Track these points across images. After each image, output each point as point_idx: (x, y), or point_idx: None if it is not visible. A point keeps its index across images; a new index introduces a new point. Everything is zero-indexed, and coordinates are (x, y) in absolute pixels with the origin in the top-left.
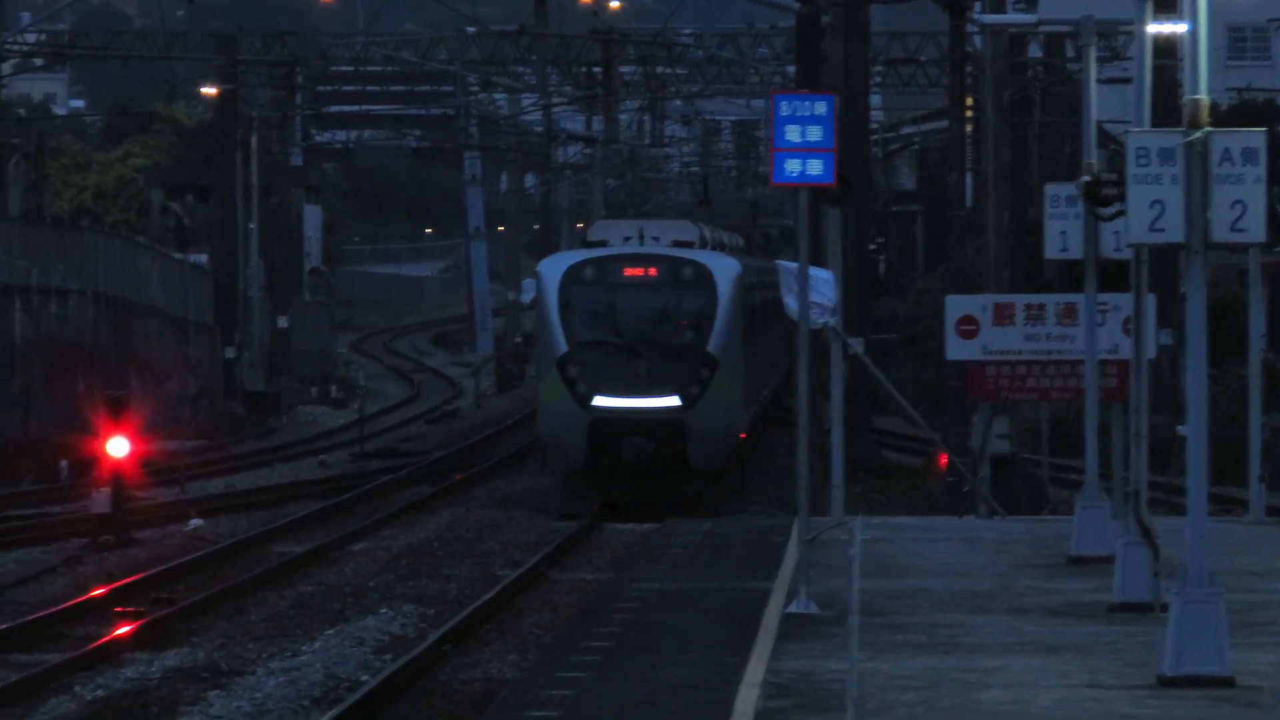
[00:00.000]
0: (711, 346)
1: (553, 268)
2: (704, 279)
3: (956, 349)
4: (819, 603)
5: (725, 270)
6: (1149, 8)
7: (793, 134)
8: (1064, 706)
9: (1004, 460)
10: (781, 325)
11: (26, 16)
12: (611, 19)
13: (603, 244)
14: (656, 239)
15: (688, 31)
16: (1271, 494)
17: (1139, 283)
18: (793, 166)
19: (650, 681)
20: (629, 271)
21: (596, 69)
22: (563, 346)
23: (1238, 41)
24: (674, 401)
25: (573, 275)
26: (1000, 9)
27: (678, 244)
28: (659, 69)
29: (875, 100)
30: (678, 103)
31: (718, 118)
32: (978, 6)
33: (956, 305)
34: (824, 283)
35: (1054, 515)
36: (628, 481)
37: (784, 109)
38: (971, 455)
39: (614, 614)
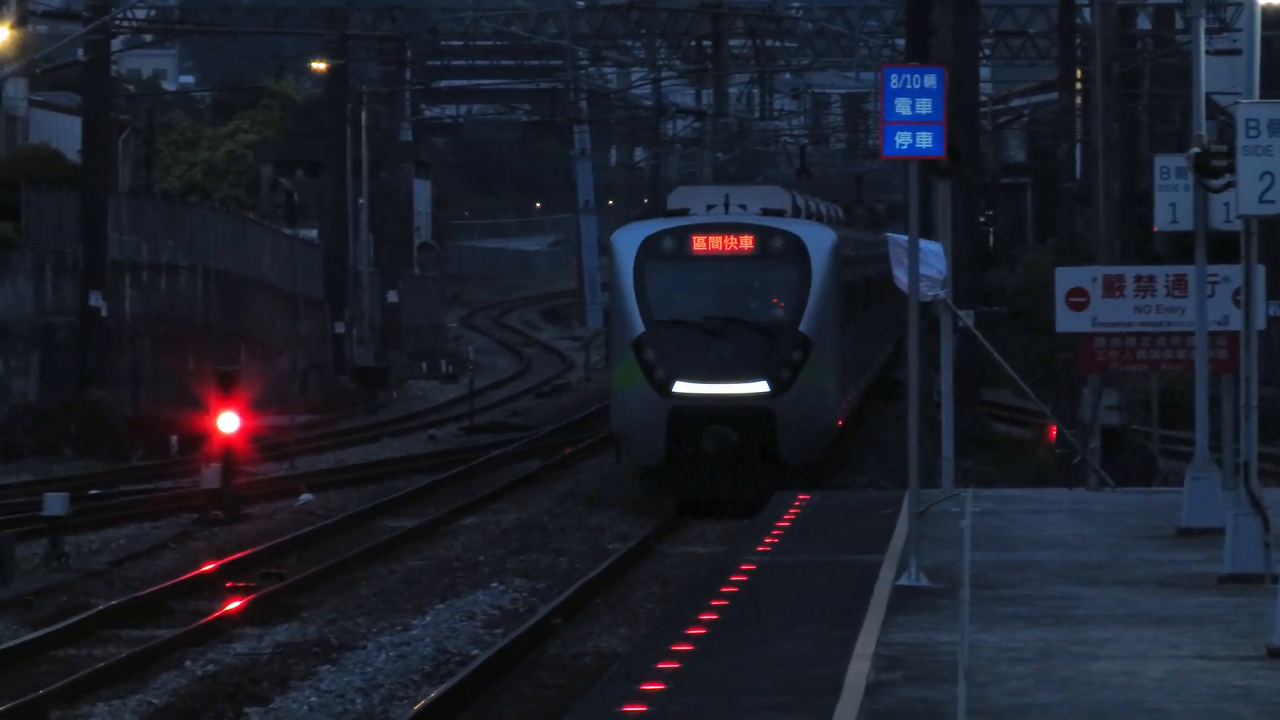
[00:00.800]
0: (805, 326)
1: (627, 239)
2: (796, 250)
3: (1066, 321)
4: (929, 575)
5: (820, 241)
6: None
7: (903, 107)
8: (1174, 677)
9: (1114, 432)
10: (886, 300)
11: None
12: (773, 24)
13: (683, 213)
14: (744, 207)
15: (796, 5)
16: None
17: (1249, 254)
18: (903, 139)
19: (760, 654)
20: (712, 243)
21: (706, 43)
22: (639, 327)
23: None
24: (762, 387)
25: (649, 248)
26: None
27: (767, 212)
28: (768, 42)
29: (985, 73)
30: (787, 76)
31: (827, 91)
32: None
33: (1066, 277)
34: (934, 255)
35: (1164, 487)
36: (711, 477)
37: (894, 82)
38: (1081, 427)
39: (724, 587)
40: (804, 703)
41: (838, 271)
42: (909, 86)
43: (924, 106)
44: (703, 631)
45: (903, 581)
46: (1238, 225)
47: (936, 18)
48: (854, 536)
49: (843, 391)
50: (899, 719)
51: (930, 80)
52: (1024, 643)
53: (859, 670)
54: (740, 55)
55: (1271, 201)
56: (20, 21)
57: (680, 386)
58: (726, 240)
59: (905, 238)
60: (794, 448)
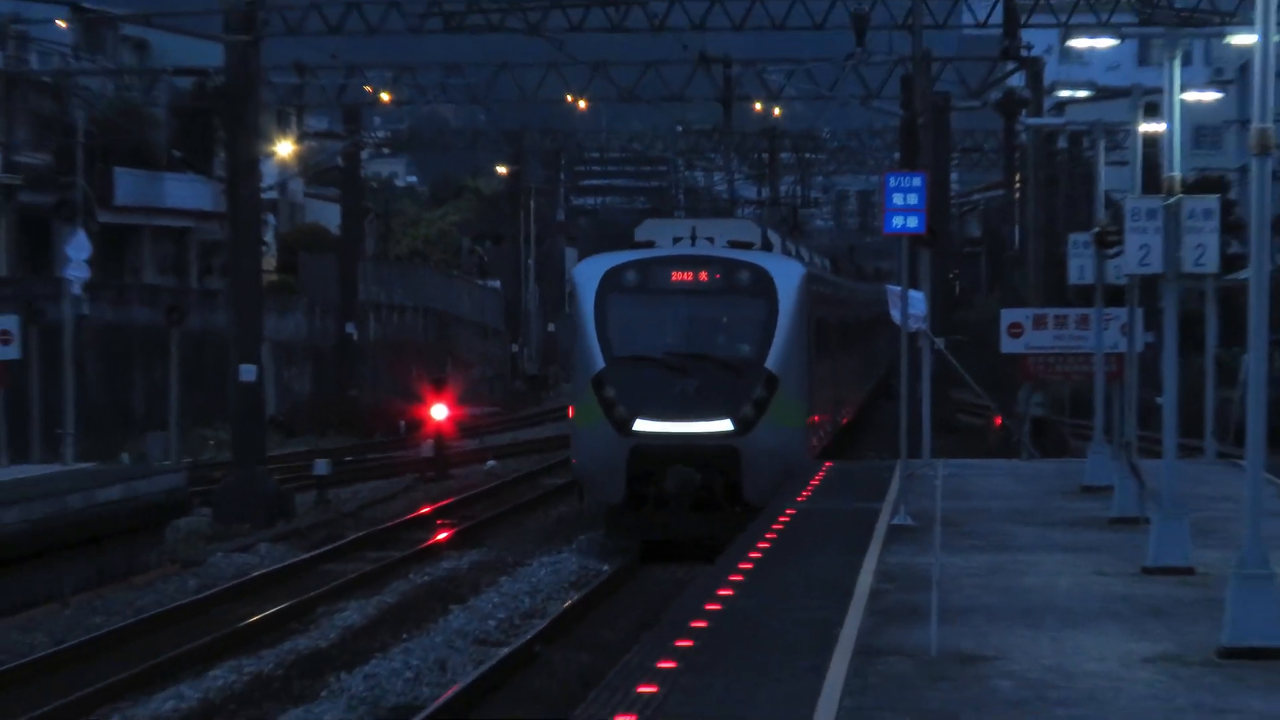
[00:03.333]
0: (770, 363)
1: (589, 271)
2: (763, 284)
3: (1008, 345)
4: (913, 517)
5: (788, 274)
6: (1140, 114)
7: (898, 199)
8: (1077, 587)
9: (1039, 421)
10: (869, 338)
11: (378, 120)
12: (775, 122)
13: (649, 245)
14: (711, 240)
15: (826, 130)
16: (1220, 444)
17: (1132, 301)
18: (898, 221)
19: (799, 570)
20: (676, 276)
21: (764, 155)
22: (599, 363)
23: (1201, 135)
24: (726, 426)
25: (611, 280)
26: (1038, 113)
27: (735, 245)
28: (806, 154)
29: (954, 176)
30: (819, 177)
31: (847, 188)
32: (1024, 113)
33: (1008, 315)
34: (918, 300)
35: (1073, 458)
36: (673, 519)
37: (892, 183)
38: (1017, 418)
39: (775, 524)
40: (829, 603)
41: (808, 306)
42: (902, 186)
43: (912, 199)
44: (759, 556)
45: (895, 521)
46: (1124, 280)
47: (920, 138)
48: (862, 491)
49: (812, 428)
50: (892, 614)
51: (916, 182)
52: (977, 564)
53: (865, 582)
54: (787, 164)
55: (1148, 265)
56: (299, 140)
57: (641, 425)
58: (690, 273)
59: (899, 288)
60: (759, 488)
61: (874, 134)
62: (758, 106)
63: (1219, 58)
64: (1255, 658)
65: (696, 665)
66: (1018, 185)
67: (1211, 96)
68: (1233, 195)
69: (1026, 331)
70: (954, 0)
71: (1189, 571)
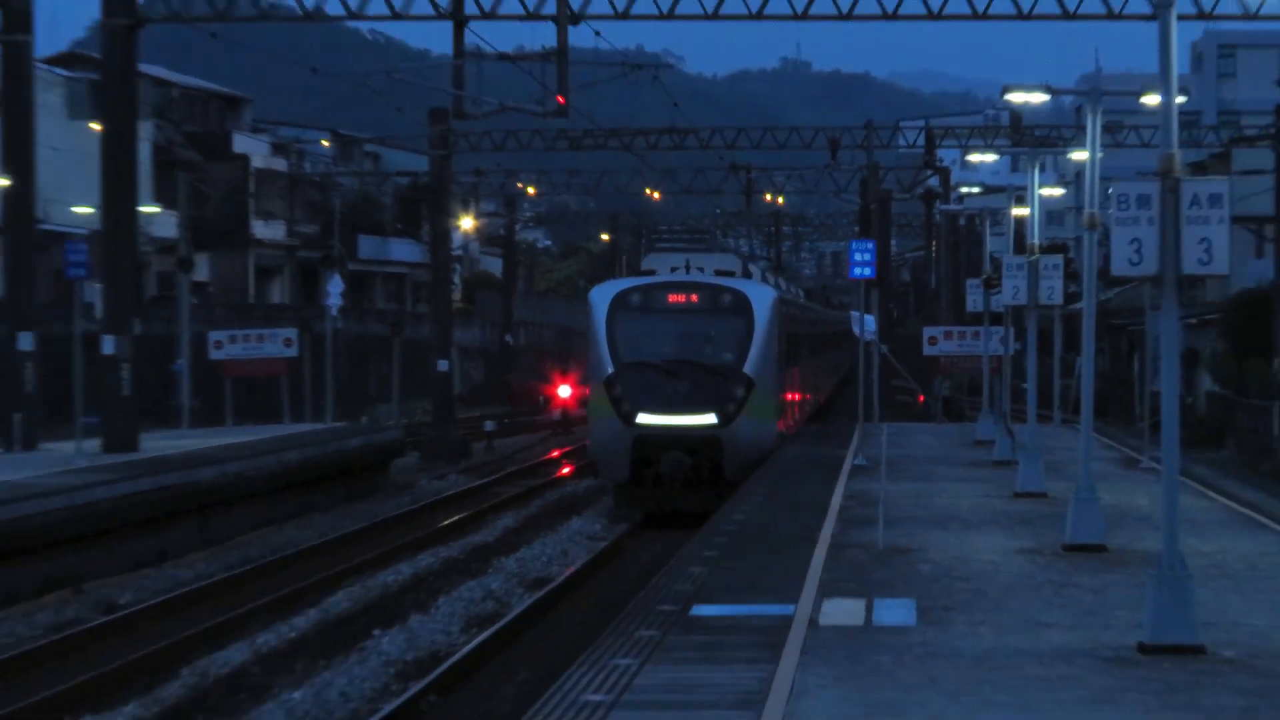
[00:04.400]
0: (747, 367)
1: (602, 294)
2: (741, 305)
3: (928, 350)
4: (867, 459)
5: (762, 297)
6: (1012, 203)
7: (858, 256)
8: (973, 504)
9: (947, 399)
10: (835, 346)
11: (526, 205)
12: (778, 207)
13: (651, 273)
14: (701, 269)
15: (812, 212)
16: (1064, 414)
17: (1006, 321)
18: (858, 270)
19: (791, 494)
20: (672, 298)
21: (771, 228)
22: (609, 367)
23: (1050, 216)
24: (711, 419)
25: (619, 301)
26: (946, 201)
27: (720, 273)
28: (799, 228)
29: (893, 242)
30: (807, 243)
31: (824, 250)
32: (938, 202)
33: (928, 331)
34: (870, 321)
35: (968, 422)
36: (669, 494)
37: (854, 246)
38: (933, 397)
39: (775, 466)
40: (813, 515)
41: (778, 322)
42: (860, 248)
43: (867, 255)
44: (767, 485)
45: (856, 462)
46: (1001, 309)
47: (872, 218)
48: (836, 442)
49: (780, 421)
50: (853, 522)
51: (869, 246)
52: (908, 489)
53: (836, 502)
54: (786, 234)
55: (1018, 299)
56: (476, 217)
57: (643, 418)
58: (683, 296)
59: (858, 313)
60: (737, 469)
61: (842, 215)
62: (768, 197)
63: (1063, 166)
64: (1086, 551)
65: (726, 555)
66: (934, 248)
67: (1058, 192)
68: (1071, 255)
69: (940, 341)
70: (893, 129)
71: (1044, 495)
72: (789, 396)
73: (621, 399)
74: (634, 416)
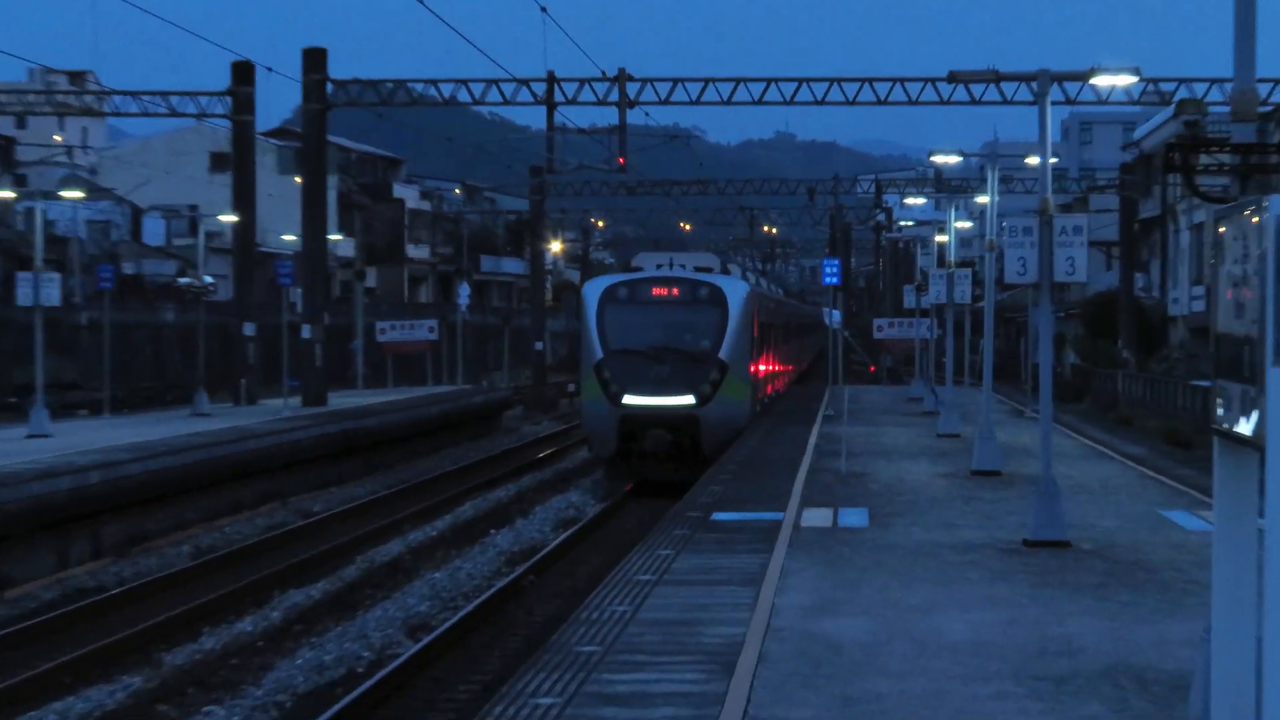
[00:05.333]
0: (723, 353)
1: (593, 288)
2: (717, 297)
3: (877, 335)
4: (834, 410)
5: (736, 290)
6: (936, 233)
7: (829, 269)
8: (908, 441)
9: (891, 368)
10: (810, 333)
11: (597, 233)
12: (773, 236)
13: (638, 269)
14: (683, 266)
15: (796, 238)
16: (972, 379)
17: (932, 316)
18: (829, 279)
19: (780, 435)
20: (655, 291)
21: (768, 250)
22: (599, 353)
23: (964, 242)
24: (690, 400)
25: (608, 294)
26: (890, 230)
27: (699, 269)
28: (787, 249)
29: (852, 259)
30: (793, 260)
31: (806, 265)
32: (884, 232)
33: (877, 321)
34: (836, 314)
35: (905, 386)
36: (652, 467)
37: (826, 262)
38: (881, 367)
39: (770, 414)
40: (796, 450)
41: (751, 312)
42: (830, 263)
43: (835, 269)
44: (764, 427)
45: (826, 413)
46: (929, 305)
47: (837, 243)
48: (811, 400)
49: (753, 400)
50: (824, 454)
51: (836, 262)
52: (862, 431)
53: (812, 440)
54: (779, 254)
55: (939, 298)
56: (562, 243)
57: (628, 399)
58: (665, 289)
59: (829, 309)
60: (713, 444)
61: (817, 240)
62: (765, 228)
63: (972, 206)
64: (987, 475)
65: (738, 477)
66: (881, 264)
67: (968, 224)
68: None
69: (885, 329)
70: (853, 181)
71: (958, 436)
72: (763, 377)
73: (609, 382)
74: (620, 398)
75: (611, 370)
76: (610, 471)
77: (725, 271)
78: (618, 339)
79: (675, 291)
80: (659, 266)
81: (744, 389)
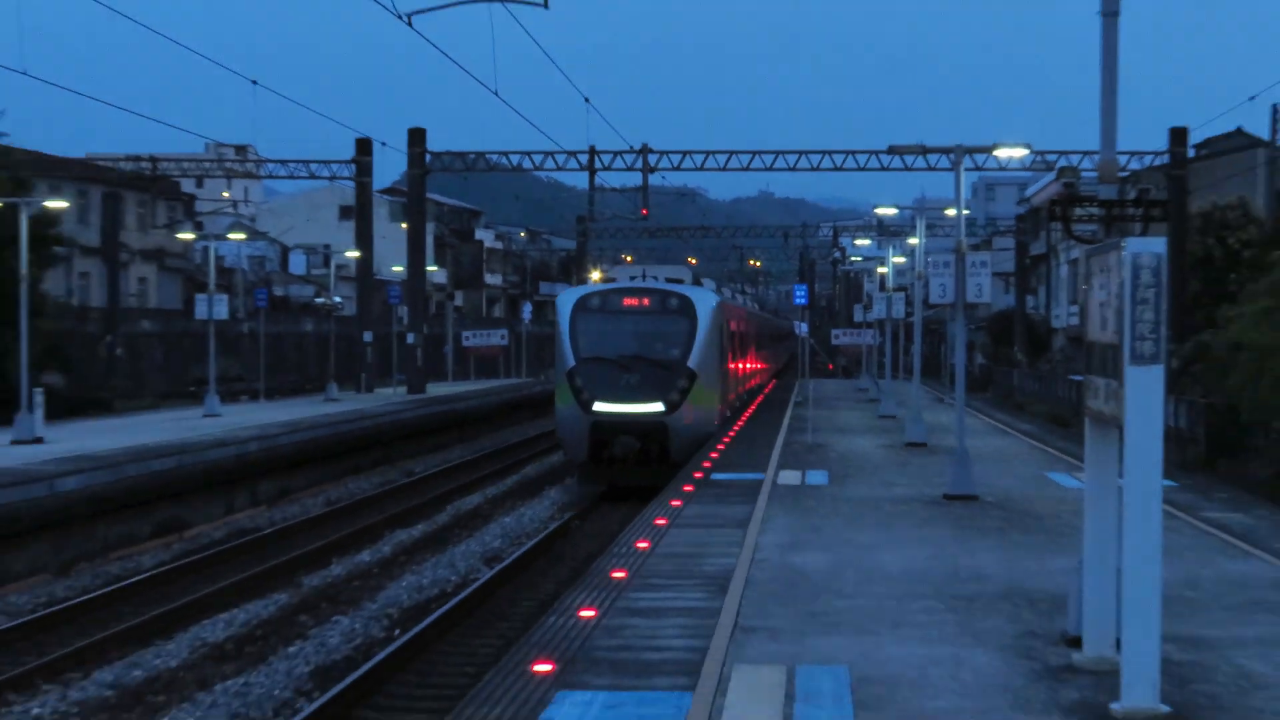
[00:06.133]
0: (691, 362)
1: (567, 298)
2: (686, 308)
3: (834, 341)
4: (802, 398)
5: (705, 300)
6: (878, 267)
7: (799, 292)
8: (858, 421)
9: (845, 366)
10: (782, 341)
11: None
12: (759, 269)
13: (611, 280)
14: (655, 278)
15: (775, 270)
16: (905, 375)
17: (876, 327)
18: (799, 299)
19: (763, 418)
20: (626, 301)
21: (754, 278)
22: (571, 361)
23: (900, 273)
24: (659, 407)
25: (581, 304)
26: (844, 264)
27: (671, 281)
28: (768, 277)
29: (817, 285)
30: (773, 286)
31: (782, 289)
32: (840, 266)
33: (835, 331)
34: (804, 326)
35: (857, 380)
36: (622, 472)
37: (796, 288)
38: (839, 365)
39: (754, 405)
40: (772, 429)
41: (721, 323)
42: (800, 288)
43: (803, 293)
44: (747, 417)
45: (796, 400)
46: (873, 320)
47: (805, 274)
48: (788, 390)
49: (722, 407)
50: (794, 429)
51: (804, 287)
52: (823, 413)
53: (785, 421)
54: (763, 281)
55: (880, 315)
56: (602, 272)
57: (599, 406)
58: (636, 300)
59: (800, 323)
60: (681, 450)
61: (790, 271)
62: (751, 262)
63: (906, 247)
64: (917, 446)
65: (728, 451)
66: (837, 288)
67: (903, 260)
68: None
69: (840, 336)
70: (816, 227)
71: (894, 418)
72: (733, 383)
73: (581, 389)
74: (591, 404)
75: (583, 377)
76: (582, 476)
77: (697, 283)
78: (589, 347)
79: (646, 302)
80: (633, 278)
81: (713, 396)
